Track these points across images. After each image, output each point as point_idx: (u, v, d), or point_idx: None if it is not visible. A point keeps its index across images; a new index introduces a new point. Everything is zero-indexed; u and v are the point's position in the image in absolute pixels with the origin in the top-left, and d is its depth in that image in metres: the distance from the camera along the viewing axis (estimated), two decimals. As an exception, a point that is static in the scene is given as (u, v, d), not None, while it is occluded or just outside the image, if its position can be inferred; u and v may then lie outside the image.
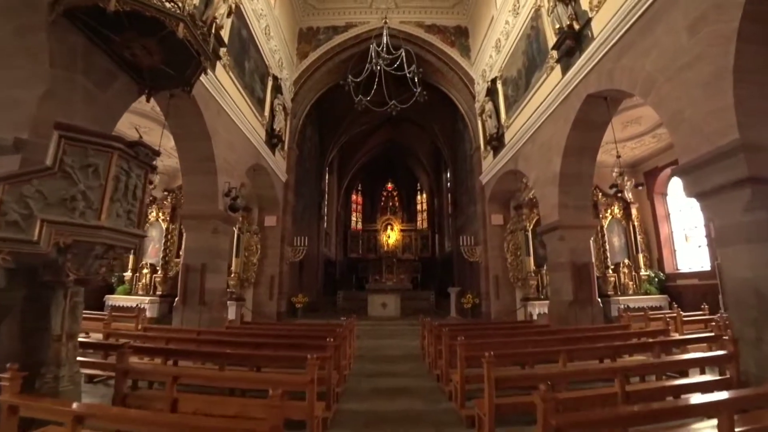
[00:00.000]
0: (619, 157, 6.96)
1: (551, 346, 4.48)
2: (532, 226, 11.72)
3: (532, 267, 11.58)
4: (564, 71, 7.57)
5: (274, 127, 11.05)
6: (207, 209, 7.47)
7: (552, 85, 8.07)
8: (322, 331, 6.42)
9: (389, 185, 29.30)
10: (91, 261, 3.39)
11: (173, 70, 4.64)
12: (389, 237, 26.42)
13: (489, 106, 11.62)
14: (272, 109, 10.99)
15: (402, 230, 26.76)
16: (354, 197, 28.69)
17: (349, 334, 6.39)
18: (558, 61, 7.77)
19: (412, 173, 28.75)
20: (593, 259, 8.33)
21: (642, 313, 8.23)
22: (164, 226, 11.56)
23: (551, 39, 7.98)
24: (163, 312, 10.70)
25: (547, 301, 10.82)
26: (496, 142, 11.34)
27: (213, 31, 5.82)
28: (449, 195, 20.94)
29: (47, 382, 3.25)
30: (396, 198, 28.80)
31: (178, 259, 10.93)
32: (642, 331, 6.12)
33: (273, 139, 11.00)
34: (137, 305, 10.32)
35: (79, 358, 4.47)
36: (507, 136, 10.79)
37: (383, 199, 28.60)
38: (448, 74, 13.87)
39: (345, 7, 13.65)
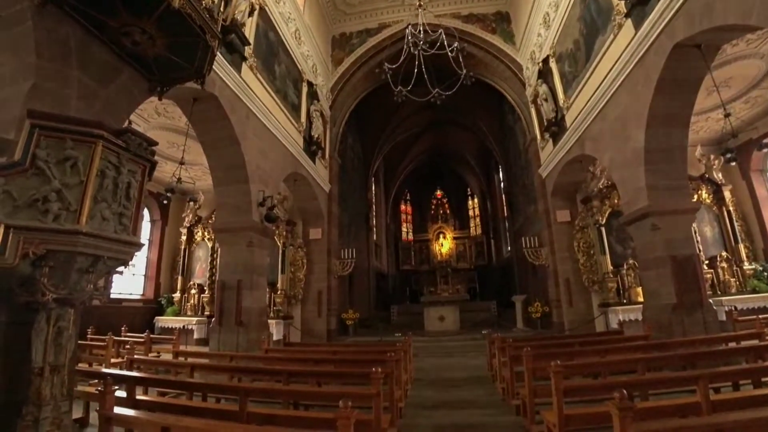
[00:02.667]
0: (728, 115, 5.41)
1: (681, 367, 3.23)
2: (605, 220, 10.18)
3: (610, 267, 9.94)
4: (637, 25, 6.27)
5: (312, 134, 10.55)
6: (241, 221, 6.90)
7: (622, 46, 6.76)
8: (373, 353, 5.60)
9: (438, 192, 28.02)
10: (75, 276, 2.78)
11: (181, 58, 4.10)
12: (442, 246, 25.19)
13: (543, 88, 10.33)
14: (309, 116, 10.51)
15: (455, 238, 25.43)
16: (403, 207, 27.84)
17: (405, 356, 5.44)
18: (627, 14, 6.48)
19: (461, 178, 27.42)
20: (697, 250, 6.73)
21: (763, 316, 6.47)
22: (209, 245, 11.39)
23: (616, -9, 6.76)
24: (212, 333, 10.41)
25: (632, 306, 9.22)
26: (556, 127, 10.01)
27: (230, 19, 5.32)
28: (503, 196, 19.45)
29: (27, 426, 2.63)
30: (446, 205, 27.43)
31: (224, 279, 10.64)
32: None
33: (312, 146, 10.49)
34: (184, 326, 10.08)
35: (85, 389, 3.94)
36: (568, 119, 9.44)
37: (433, 207, 27.37)
38: (492, 64, 12.76)
39: (376, 8, 13.11)
